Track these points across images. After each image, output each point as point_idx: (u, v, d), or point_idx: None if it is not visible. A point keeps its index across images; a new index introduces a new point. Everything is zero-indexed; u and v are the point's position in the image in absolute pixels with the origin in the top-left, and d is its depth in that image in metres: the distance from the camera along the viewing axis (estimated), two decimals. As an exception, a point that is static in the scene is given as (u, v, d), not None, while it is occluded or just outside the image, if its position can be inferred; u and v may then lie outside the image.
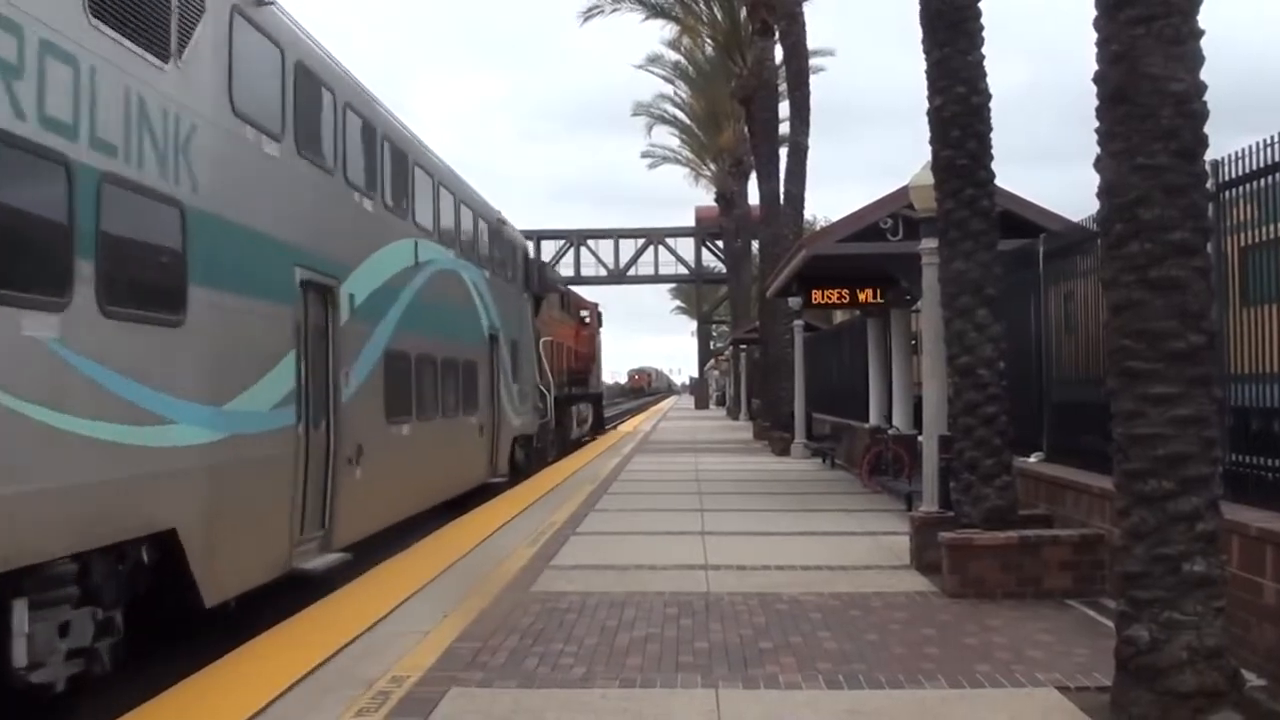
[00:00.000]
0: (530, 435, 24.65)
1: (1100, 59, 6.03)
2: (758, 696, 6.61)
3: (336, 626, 8.40)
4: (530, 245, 25.58)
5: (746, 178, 47.10)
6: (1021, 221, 13.94)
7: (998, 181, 10.65)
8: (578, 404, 37.11)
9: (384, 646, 7.78)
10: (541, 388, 26.18)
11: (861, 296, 21.20)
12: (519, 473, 22.69)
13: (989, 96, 10.45)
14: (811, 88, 32.07)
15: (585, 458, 27.70)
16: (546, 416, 26.61)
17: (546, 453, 27.13)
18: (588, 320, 42.02)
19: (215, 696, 6.73)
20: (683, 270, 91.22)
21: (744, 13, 37.81)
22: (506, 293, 22.32)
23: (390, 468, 13.56)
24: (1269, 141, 7.59)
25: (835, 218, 21.48)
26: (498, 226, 21.99)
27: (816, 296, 22.49)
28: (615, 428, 51.23)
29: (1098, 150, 6.09)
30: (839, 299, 22.10)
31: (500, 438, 21.11)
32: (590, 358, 41.45)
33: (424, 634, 8.12)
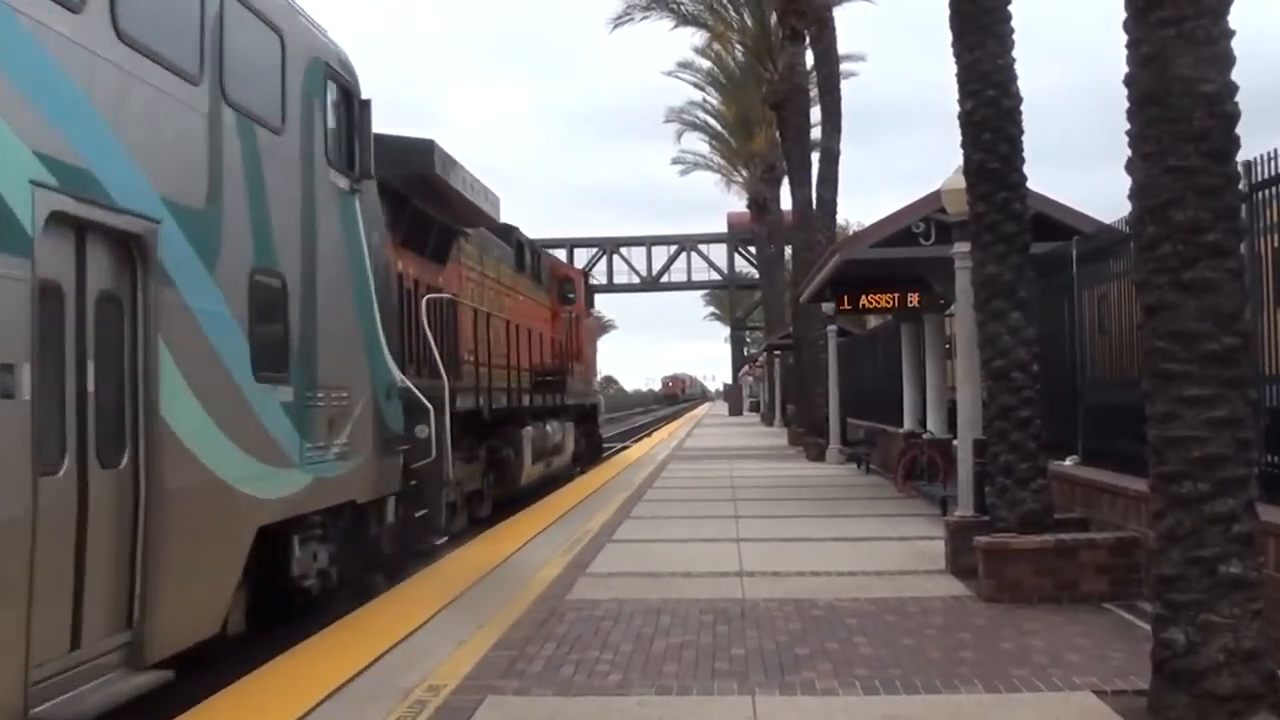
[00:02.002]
0: (378, 501, 11.35)
1: (1130, 61, 6.01)
2: (794, 703, 6.61)
3: (373, 635, 8.45)
4: (346, 65, 10.99)
5: (779, 183, 47.03)
6: (1054, 224, 13.86)
7: (1030, 184, 10.62)
8: (543, 423, 22.31)
9: (421, 655, 7.83)
10: (417, 393, 12.28)
11: (895, 301, 21.12)
12: (313, 604, 9.88)
13: (1020, 99, 10.42)
14: (843, 92, 32.07)
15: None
16: (431, 455, 12.50)
17: (433, 529, 13.22)
18: (571, 296, 26.74)
19: (253, 706, 6.79)
20: (715, 276, 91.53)
21: (774, 19, 37.80)
22: (242, 150, 8.67)
23: None
24: (1303, 141, 7.54)
25: (868, 222, 21.32)
26: None
27: (850, 301, 22.47)
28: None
29: (1129, 152, 6.08)
30: (872, 304, 22.04)
31: (162, 552, 7.14)
32: (573, 352, 27.05)
33: (460, 642, 8.16)
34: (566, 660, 7.63)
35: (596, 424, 31.85)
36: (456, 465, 14.66)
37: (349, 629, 8.91)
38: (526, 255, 22.94)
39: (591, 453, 30.38)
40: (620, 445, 42.34)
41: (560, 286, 26.32)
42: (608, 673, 7.31)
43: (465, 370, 16.19)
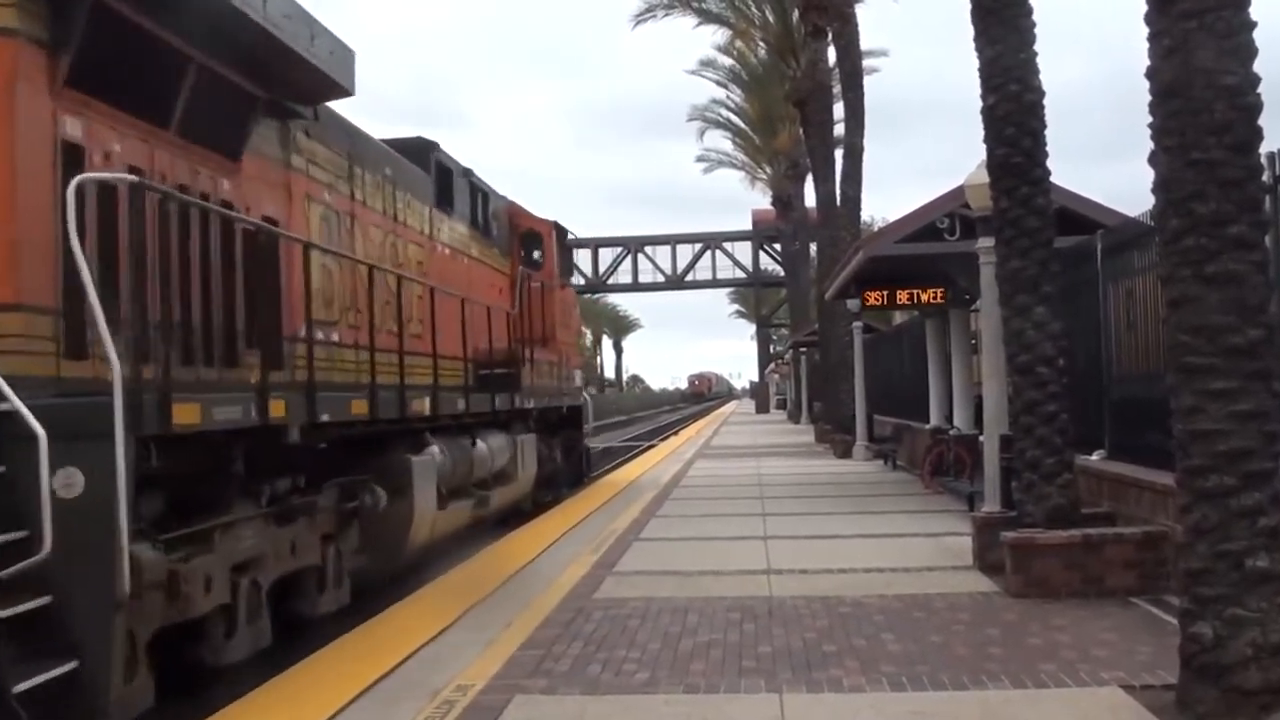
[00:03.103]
0: None
1: (1152, 54, 6.00)
2: (821, 700, 6.62)
3: (401, 636, 8.50)
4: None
5: (803, 180, 46.99)
6: (1078, 218, 13.82)
7: (1054, 178, 10.59)
8: (469, 439, 14.50)
9: (449, 655, 7.87)
10: (13, 397, 5.77)
11: (920, 297, 21.08)
12: None
13: (1042, 93, 10.39)
14: (865, 89, 32.03)
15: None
16: (46, 547, 5.65)
17: (94, 705, 6.12)
18: (538, 258, 19.21)
19: (283, 707, 6.84)
20: (740, 274, 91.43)
21: (796, 15, 37.77)
22: None
23: None
24: (1327, 131, 7.50)
25: (892, 218, 21.25)
26: None
27: (875, 298, 22.46)
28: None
29: (1152, 146, 6.07)
30: (897, 300, 22.02)
31: None
32: (537, 333, 19.06)
33: (488, 642, 8.19)
34: (594, 659, 7.65)
35: (580, 433, 22.97)
36: (251, 529, 8.75)
37: (378, 629, 8.96)
38: (457, 188, 15.08)
39: (573, 474, 22.13)
40: (646, 444, 41.84)
41: (523, 242, 18.45)
42: (635, 671, 7.33)
43: (278, 353, 9.38)
